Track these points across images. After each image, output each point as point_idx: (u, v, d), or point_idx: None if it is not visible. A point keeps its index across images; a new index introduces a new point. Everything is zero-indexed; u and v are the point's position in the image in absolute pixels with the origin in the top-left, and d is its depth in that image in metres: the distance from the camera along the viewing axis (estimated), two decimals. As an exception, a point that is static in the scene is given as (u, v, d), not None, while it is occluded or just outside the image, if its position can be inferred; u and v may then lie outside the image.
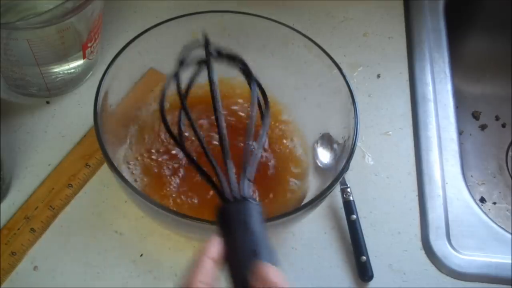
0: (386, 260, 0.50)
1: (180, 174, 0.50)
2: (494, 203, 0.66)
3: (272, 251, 0.35)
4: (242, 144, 0.51)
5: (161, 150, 0.51)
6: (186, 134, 0.52)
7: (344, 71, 0.50)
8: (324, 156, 0.52)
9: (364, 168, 0.55)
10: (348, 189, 0.52)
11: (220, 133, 0.38)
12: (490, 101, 0.73)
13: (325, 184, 0.44)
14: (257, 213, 0.37)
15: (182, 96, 0.41)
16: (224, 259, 0.34)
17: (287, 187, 0.50)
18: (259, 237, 0.36)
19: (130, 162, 0.50)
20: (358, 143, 0.46)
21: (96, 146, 0.43)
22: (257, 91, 0.42)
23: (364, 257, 0.49)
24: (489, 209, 0.65)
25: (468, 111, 0.72)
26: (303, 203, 0.43)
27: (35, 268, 0.47)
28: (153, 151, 0.51)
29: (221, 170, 0.38)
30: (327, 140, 0.52)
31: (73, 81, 0.56)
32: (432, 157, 0.56)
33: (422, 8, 0.67)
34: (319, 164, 0.51)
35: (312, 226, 0.51)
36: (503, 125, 0.72)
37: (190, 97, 0.45)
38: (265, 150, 0.52)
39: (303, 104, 0.54)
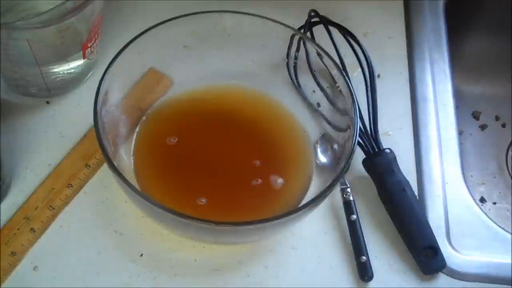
0: (386, 260, 0.50)
1: (183, 173, 0.50)
2: (494, 203, 0.66)
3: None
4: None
5: (162, 149, 0.51)
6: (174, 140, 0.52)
7: (344, 71, 0.51)
8: (324, 156, 0.52)
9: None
10: (348, 189, 0.52)
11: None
12: (490, 101, 0.73)
13: (325, 184, 0.44)
14: (393, 159, 0.52)
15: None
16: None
17: (288, 186, 0.50)
18: (402, 177, 0.52)
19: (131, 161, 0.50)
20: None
21: (96, 146, 0.43)
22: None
23: (364, 257, 0.49)
24: (489, 209, 0.65)
25: (468, 111, 0.72)
26: (303, 203, 0.43)
27: (35, 268, 0.48)
28: (153, 150, 0.51)
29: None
30: (327, 140, 0.52)
31: (73, 81, 0.56)
32: (432, 157, 0.56)
33: (422, 8, 0.67)
34: (319, 164, 0.51)
35: (312, 226, 0.51)
36: (503, 125, 0.72)
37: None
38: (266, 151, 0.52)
39: (303, 104, 0.54)
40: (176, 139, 0.51)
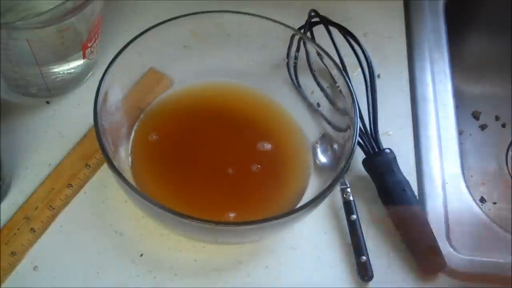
0: (386, 260, 0.50)
1: (182, 174, 0.50)
2: (494, 203, 0.66)
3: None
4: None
5: (159, 148, 0.51)
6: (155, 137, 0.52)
7: (344, 71, 0.50)
8: (324, 156, 0.52)
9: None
10: (348, 189, 0.52)
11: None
12: (490, 101, 0.73)
13: (325, 184, 0.44)
14: (393, 159, 0.52)
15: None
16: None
17: (287, 187, 0.50)
18: (402, 177, 0.52)
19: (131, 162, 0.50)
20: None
21: (96, 146, 0.43)
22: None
23: (364, 257, 0.49)
24: (489, 209, 0.65)
25: (468, 111, 0.72)
26: (303, 203, 0.43)
27: (35, 268, 0.48)
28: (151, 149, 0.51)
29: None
30: (327, 140, 0.52)
31: (73, 81, 0.56)
32: (432, 157, 0.56)
33: (422, 8, 0.67)
34: (319, 164, 0.51)
35: (312, 226, 0.51)
36: (503, 125, 0.72)
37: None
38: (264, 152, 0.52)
39: (303, 104, 0.54)
40: (157, 136, 0.51)
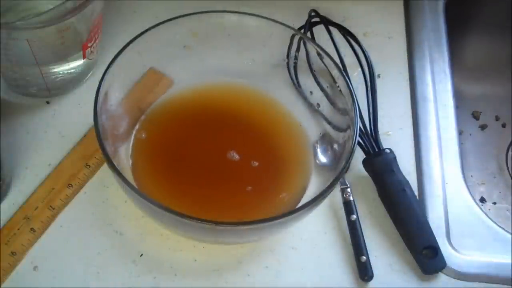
0: (386, 260, 0.50)
1: (182, 174, 0.50)
2: (494, 203, 0.66)
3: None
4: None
5: (160, 149, 0.51)
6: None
7: (344, 71, 0.50)
8: (324, 156, 0.52)
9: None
10: (348, 189, 0.52)
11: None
12: (490, 101, 0.73)
13: (325, 184, 0.44)
14: (393, 159, 0.52)
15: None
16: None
17: (287, 187, 0.50)
18: (402, 177, 0.52)
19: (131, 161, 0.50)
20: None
21: (96, 146, 0.43)
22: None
23: (364, 257, 0.49)
24: (489, 209, 0.65)
25: (468, 111, 0.72)
26: (303, 203, 0.43)
27: (35, 268, 0.48)
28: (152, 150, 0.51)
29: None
30: (327, 140, 0.52)
31: (73, 81, 0.56)
32: (432, 157, 0.56)
33: (422, 8, 0.67)
34: (319, 164, 0.51)
35: (312, 226, 0.51)
36: (503, 125, 0.72)
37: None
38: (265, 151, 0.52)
39: (303, 104, 0.54)
40: (158, 136, 0.51)
